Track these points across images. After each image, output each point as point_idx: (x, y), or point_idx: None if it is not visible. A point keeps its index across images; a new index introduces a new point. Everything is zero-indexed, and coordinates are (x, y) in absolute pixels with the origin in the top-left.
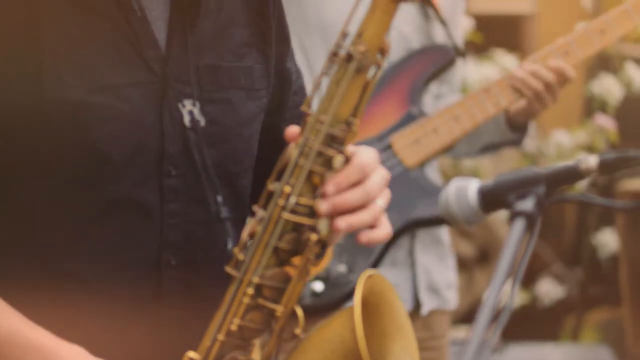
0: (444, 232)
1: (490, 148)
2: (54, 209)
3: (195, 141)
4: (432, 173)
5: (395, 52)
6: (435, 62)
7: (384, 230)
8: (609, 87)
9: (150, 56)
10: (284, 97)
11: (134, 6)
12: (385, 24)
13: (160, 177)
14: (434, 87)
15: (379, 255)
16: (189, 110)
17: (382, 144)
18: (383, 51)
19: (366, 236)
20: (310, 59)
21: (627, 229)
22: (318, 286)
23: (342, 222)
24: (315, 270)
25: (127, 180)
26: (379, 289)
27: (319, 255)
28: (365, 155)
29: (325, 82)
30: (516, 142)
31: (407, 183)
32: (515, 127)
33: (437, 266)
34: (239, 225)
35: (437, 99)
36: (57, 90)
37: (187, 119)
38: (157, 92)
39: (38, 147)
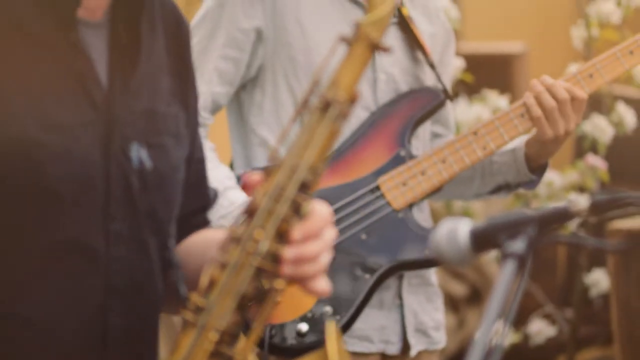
0: (432, 273)
1: (504, 189)
2: (0, 248)
3: (139, 185)
4: (422, 214)
5: (384, 95)
6: (424, 105)
7: (326, 284)
8: (600, 127)
9: (96, 96)
10: (191, 149)
11: (79, 43)
12: (359, 72)
13: (106, 221)
14: (427, 127)
15: (365, 296)
16: (138, 154)
17: (370, 185)
18: (354, 100)
19: (316, 287)
20: (298, 101)
21: (617, 268)
22: (303, 327)
23: (297, 271)
24: (301, 310)
25: (74, 222)
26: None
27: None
28: (324, 208)
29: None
30: (533, 184)
31: (394, 225)
32: (534, 166)
33: (425, 307)
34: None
35: (434, 138)
36: (8, 126)
37: (135, 162)
38: (104, 132)
39: None
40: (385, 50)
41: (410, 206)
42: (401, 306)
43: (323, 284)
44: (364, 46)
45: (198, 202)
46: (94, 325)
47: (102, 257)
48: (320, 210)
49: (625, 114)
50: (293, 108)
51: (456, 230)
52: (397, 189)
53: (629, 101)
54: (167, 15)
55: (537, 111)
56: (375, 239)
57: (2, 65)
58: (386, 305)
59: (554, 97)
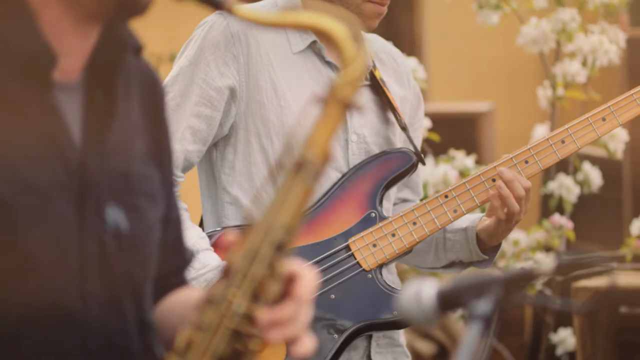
0: (401, 334)
1: (457, 265)
2: None
3: (115, 246)
4: (390, 276)
5: (355, 156)
6: (396, 167)
7: (312, 343)
8: (566, 186)
9: (69, 157)
10: (167, 209)
11: (54, 105)
12: (333, 132)
13: (82, 282)
14: (394, 191)
15: (333, 356)
16: (114, 216)
17: (340, 245)
18: (327, 159)
19: (298, 350)
20: (269, 160)
21: (583, 327)
22: None
23: (277, 334)
24: None
25: (50, 284)
26: None
27: None
28: (297, 266)
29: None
30: (486, 264)
31: (363, 285)
32: (486, 247)
33: None
34: None
35: (401, 203)
36: None
37: (110, 224)
38: (78, 193)
39: None
40: (358, 109)
41: (380, 267)
42: None
43: (307, 344)
44: (338, 106)
45: (175, 262)
46: None
47: (79, 318)
48: (294, 269)
49: (591, 173)
50: (265, 167)
51: (423, 291)
52: (367, 250)
53: (595, 160)
54: (142, 75)
55: (506, 191)
56: (344, 299)
57: None
58: None
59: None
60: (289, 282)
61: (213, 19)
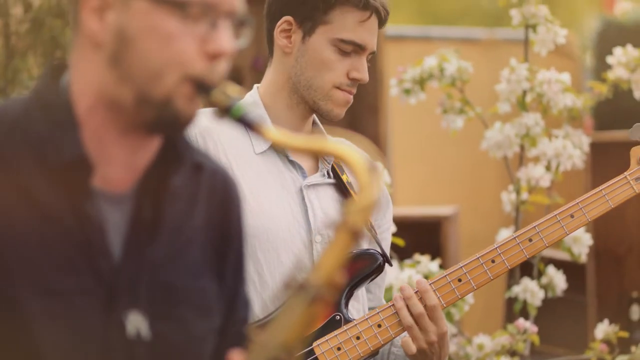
0: None
1: None
2: None
3: (141, 355)
4: None
5: None
6: (362, 268)
7: None
8: (531, 290)
9: (102, 266)
10: (226, 322)
11: (91, 213)
12: (340, 259)
13: None
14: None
15: None
16: (136, 323)
17: (304, 349)
18: (333, 285)
19: None
20: (259, 272)
21: None
22: None
23: None
24: None
25: None
26: None
27: None
28: None
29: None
30: None
31: None
32: None
33: None
34: None
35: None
36: (3, 288)
37: (132, 332)
38: (104, 302)
39: None
40: (363, 238)
41: None
42: None
43: None
44: (347, 234)
45: None
46: None
47: None
48: None
49: (555, 276)
50: (256, 276)
51: None
52: (331, 354)
53: (559, 264)
54: (215, 186)
55: (399, 303)
56: None
57: (8, 232)
58: None
59: (411, 310)
60: None
61: None
